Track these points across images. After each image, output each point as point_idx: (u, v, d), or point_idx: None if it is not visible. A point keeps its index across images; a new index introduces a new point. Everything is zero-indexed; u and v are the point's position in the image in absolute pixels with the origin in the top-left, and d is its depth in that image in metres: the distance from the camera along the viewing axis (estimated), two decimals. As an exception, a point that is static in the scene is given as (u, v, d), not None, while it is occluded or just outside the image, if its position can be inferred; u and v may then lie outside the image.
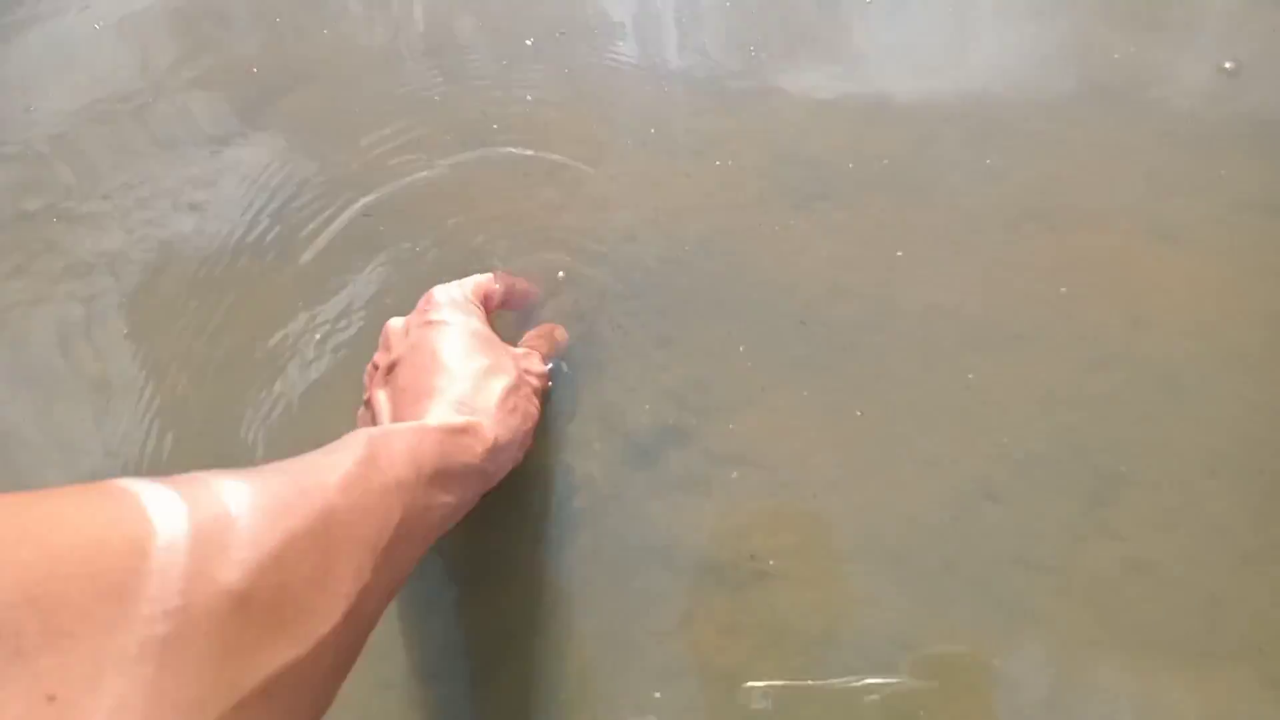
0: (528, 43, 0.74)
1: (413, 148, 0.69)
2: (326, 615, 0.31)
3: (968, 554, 0.53)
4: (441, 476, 0.39)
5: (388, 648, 0.53)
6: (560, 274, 0.62)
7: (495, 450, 0.43)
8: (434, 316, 0.48)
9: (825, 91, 0.68)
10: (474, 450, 0.42)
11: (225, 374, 0.62)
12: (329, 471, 0.34)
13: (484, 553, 0.55)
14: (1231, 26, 0.68)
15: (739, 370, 0.59)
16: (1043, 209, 0.62)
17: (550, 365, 0.56)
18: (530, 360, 0.51)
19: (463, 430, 0.42)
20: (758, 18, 0.73)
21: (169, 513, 0.27)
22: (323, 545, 0.31)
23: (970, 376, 0.57)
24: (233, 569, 0.27)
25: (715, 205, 0.64)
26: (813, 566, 0.53)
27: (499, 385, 0.46)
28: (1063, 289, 0.59)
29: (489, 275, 0.53)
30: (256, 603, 0.28)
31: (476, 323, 0.48)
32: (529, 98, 0.71)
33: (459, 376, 0.45)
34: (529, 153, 0.68)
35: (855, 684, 0.50)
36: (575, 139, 0.68)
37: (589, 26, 0.74)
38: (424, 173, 0.68)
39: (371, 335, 0.54)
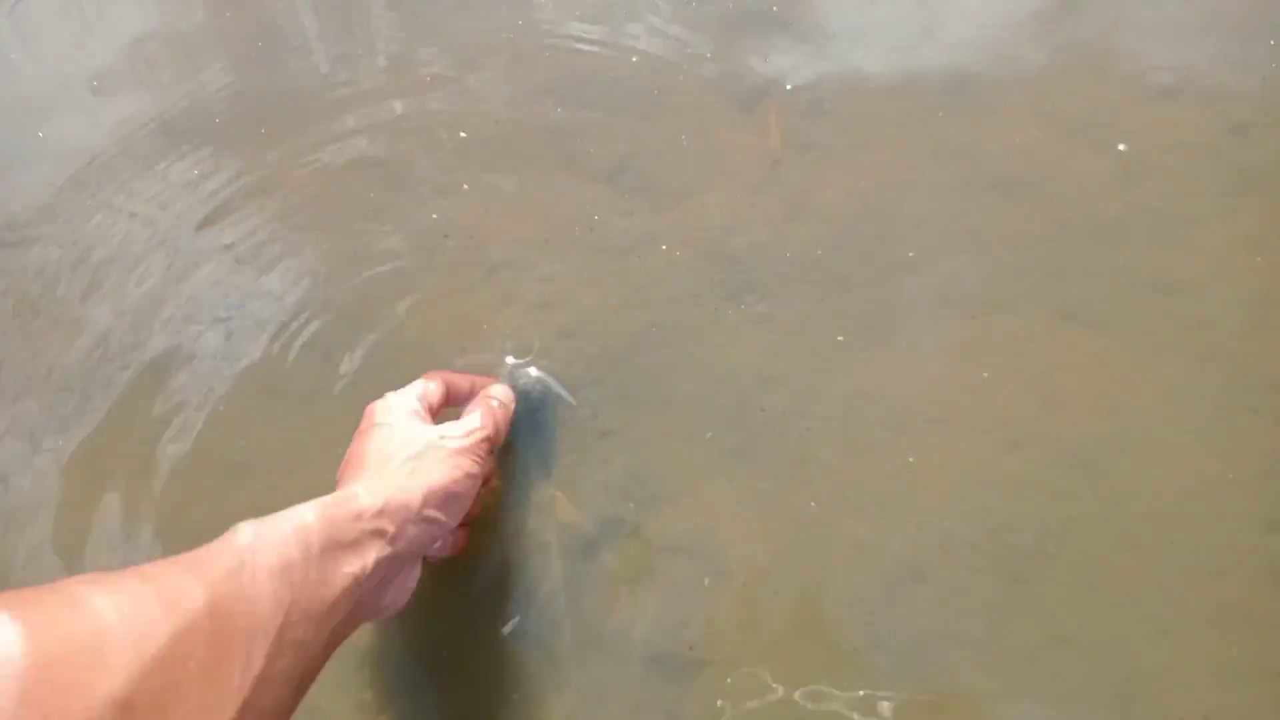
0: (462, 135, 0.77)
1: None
2: (219, 709, 0.31)
3: (897, 633, 0.55)
4: (333, 548, 0.39)
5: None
6: (502, 367, 0.64)
7: (388, 512, 0.43)
8: (365, 425, 0.51)
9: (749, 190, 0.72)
10: (356, 512, 0.42)
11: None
12: (210, 565, 0.34)
13: (432, 651, 0.56)
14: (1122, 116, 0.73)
15: (676, 461, 0.61)
16: (956, 296, 0.65)
17: (484, 431, 0.53)
18: (452, 427, 0.52)
19: (342, 500, 0.42)
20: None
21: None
22: (209, 639, 0.32)
23: (893, 461, 0.60)
24: (113, 676, 0.28)
25: (647, 300, 0.67)
26: (751, 653, 0.55)
27: (401, 455, 0.48)
28: (983, 374, 0.62)
29: (425, 380, 0.55)
30: (142, 707, 0.28)
31: (407, 421, 0.51)
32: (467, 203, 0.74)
33: (369, 464, 0.47)
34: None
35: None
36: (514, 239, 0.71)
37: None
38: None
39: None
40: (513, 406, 0.59)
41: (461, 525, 0.56)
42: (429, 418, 0.53)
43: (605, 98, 0.77)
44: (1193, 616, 0.54)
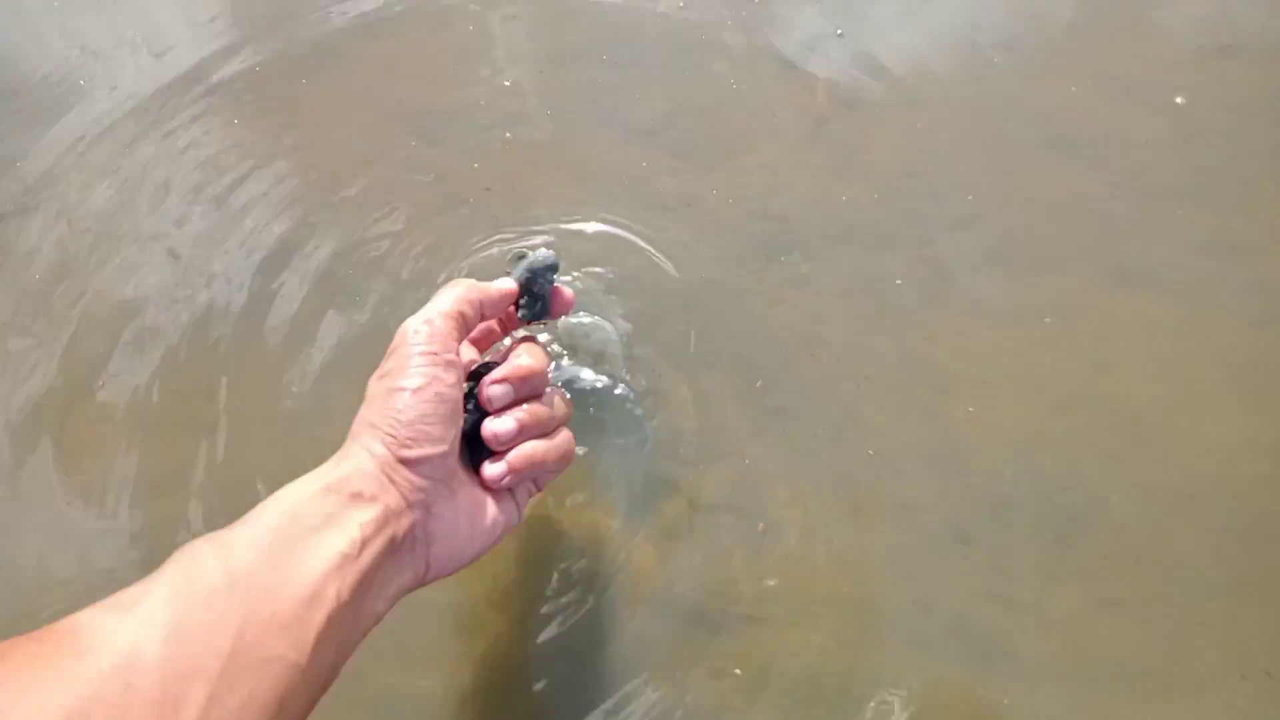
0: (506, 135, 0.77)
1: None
2: None
3: (943, 594, 0.55)
4: (296, 539, 0.36)
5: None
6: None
7: (356, 474, 0.39)
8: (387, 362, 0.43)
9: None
10: (324, 485, 0.39)
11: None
12: (110, 635, 0.31)
13: (482, 599, 0.57)
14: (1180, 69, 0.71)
15: (721, 419, 0.61)
16: (1005, 256, 0.65)
17: (445, 310, 0.44)
18: (415, 324, 0.44)
19: (314, 476, 0.39)
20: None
21: None
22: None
23: (940, 423, 0.59)
24: None
25: (692, 259, 0.66)
26: (796, 611, 0.55)
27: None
28: (1033, 336, 0.62)
29: (451, 298, 0.45)
30: None
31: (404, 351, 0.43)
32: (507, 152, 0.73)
33: (369, 398, 0.42)
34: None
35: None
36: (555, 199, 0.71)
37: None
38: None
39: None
40: (493, 290, 0.47)
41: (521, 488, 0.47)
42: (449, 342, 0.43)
43: (647, 53, 0.76)
44: (1245, 578, 0.54)
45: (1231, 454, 0.57)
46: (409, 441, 0.40)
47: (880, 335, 0.63)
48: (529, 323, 0.50)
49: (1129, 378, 0.60)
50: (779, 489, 0.58)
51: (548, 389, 0.48)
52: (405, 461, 0.40)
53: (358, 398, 0.42)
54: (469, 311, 0.45)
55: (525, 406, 0.46)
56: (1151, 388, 0.60)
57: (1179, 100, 0.70)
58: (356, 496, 0.39)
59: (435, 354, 0.42)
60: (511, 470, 0.45)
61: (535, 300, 0.49)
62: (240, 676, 0.32)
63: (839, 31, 0.76)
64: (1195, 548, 0.55)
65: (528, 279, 0.49)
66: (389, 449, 0.40)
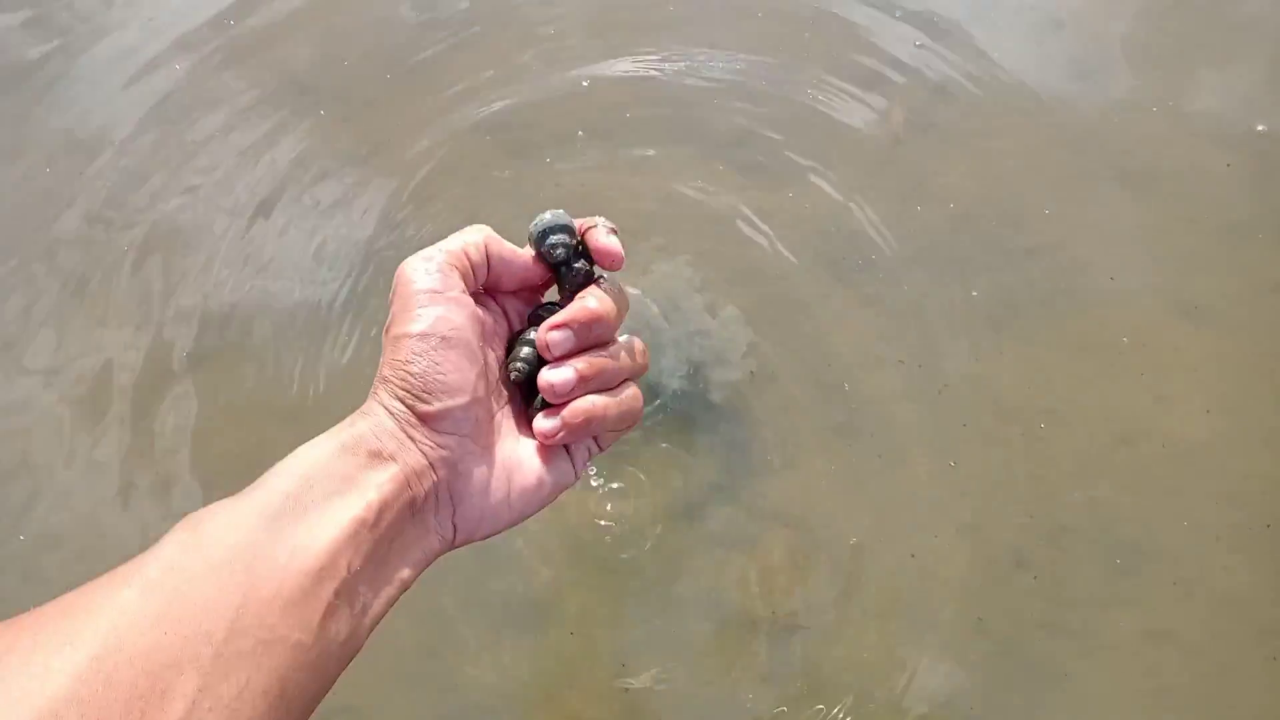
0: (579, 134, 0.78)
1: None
2: None
3: (999, 617, 0.56)
4: (311, 505, 0.33)
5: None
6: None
7: (372, 430, 0.36)
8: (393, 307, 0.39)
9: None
10: (339, 445, 0.35)
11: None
12: (108, 600, 0.29)
13: (529, 598, 0.59)
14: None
15: (780, 433, 0.62)
16: (1073, 287, 0.65)
17: (450, 245, 0.39)
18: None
19: (329, 435, 0.36)
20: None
21: None
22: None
23: (1005, 448, 0.60)
24: None
25: (759, 276, 0.68)
26: (848, 623, 0.56)
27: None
28: (1098, 366, 0.62)
29: (457, 238, 0.39)
30: None
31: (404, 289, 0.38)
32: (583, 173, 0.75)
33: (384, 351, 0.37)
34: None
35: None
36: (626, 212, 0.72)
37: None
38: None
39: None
40: (511, 248, 0.41)
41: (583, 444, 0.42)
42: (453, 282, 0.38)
43: (727, 69, 0.78)
44: (1302, 621, 0.54)
45: (1293, 496, 0.58)
46: (423, 394, 0.36)
47: (948, 358, 0.64)
48: (572, 293, 0.42)
49: (1191, 412, 0.61)
50: (834, 503, 0.60)
51: (621, 338, 0.42)
52: (423, 417, 0.36)
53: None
54: (474, 255, 0.39)
55: (587, 356, 0.40)
56: (1213, 423, 0.60)
57: (1260, 128, 0.70)
58: (375, 455, 0.35)
59: (438, 291, 0.37)
60: (566, 426, 0.39)
61: (560, 266, 0.41)
62: (236, 662, 0.29)
63: (917, 43, 0.77)
64: (1251, 585, 0.55)
65: (543, 249, 0.41)
66: (405, 403, 0.36)
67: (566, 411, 0.39)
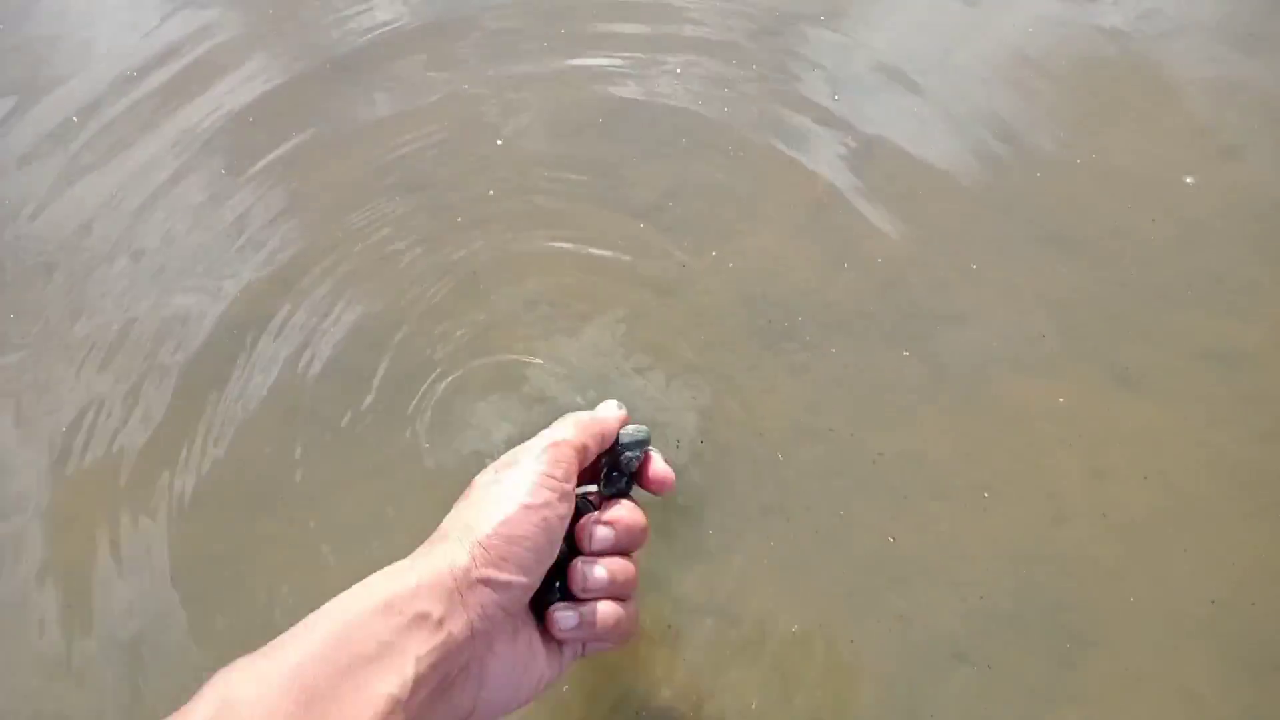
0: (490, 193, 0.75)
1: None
2: None
3: (936, 714, 0.52)
4: (350, 670, 0.32)
5: None
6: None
7: (425, 585, 0.35)
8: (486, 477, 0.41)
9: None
10: (385, 601, 0.34)
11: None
12: None
13: None
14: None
15: (704, 517, 0.58)
16: (1005, 354, 0.63)
17: (566, 439, 0.42)
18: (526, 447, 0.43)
19: (373, 586, 0.35)
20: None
21: None
22: None
23: (938, 528, 0.57)
24: None
25: (684, 344, 0.64)
26: (779, 725, 0.52)
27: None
28: (1031, 439, 0.59)
29: (578, 427, 0.43)
30: None
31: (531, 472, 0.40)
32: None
33: (472, 497, 0.39)
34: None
35: None
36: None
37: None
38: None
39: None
40: (612, 420, 0.46)
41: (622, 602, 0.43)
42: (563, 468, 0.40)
43: (646, 132, 0.75)
44: (1255, 711, 0.51)
45: (1241, 574, 0.55)
46: (500, 561, 0.36)
47: (877, 431, 0.60)
48: (608, 498, 0.46)
49: (1129, 487, 0.58)
50: (762, 592, 0.55)
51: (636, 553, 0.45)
52: (486, 582, 0.36)
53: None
54: (592, 446, 0.43)
55: (620, 560, 0.43)
56: (1152, 498, 0.57)
57: (1188, 180, 0.69)
58: (421, 619, 0.34)
59: (556, 479, 0.39)
60: (583, 623, 0.40)
61: (621, 476, 0.46)
62: None
63: (836, 98, 0.75)
64: (1202, 675, 0.52)
65: (623, 458, 0.46)
66: (475, 560, 0.36)
67: (586, 609, 0.41)
